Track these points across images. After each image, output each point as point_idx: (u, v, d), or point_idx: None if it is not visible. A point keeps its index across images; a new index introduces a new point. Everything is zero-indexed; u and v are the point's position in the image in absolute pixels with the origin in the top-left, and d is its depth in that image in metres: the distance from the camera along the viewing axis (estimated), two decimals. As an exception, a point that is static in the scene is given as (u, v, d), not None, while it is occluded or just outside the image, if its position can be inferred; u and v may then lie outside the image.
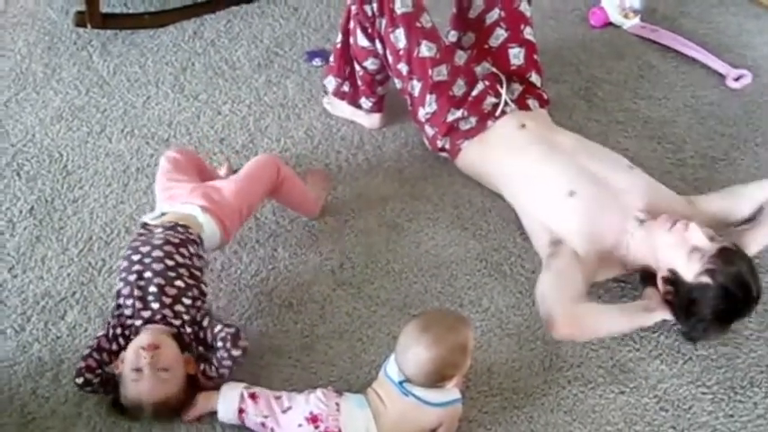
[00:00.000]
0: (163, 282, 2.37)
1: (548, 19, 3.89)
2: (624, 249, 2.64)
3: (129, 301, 2.37)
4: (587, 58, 3.70)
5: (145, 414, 2.29)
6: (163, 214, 2.57)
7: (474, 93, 3.00)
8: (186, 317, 2.37)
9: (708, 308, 2.45)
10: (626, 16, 3.85)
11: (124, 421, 2.34)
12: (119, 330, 2.37)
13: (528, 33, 3.16)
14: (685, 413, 2.41)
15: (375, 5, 2.95)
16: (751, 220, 2.76)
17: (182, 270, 2.41)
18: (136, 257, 2.41)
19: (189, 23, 3.82)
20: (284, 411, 2.23)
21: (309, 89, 3.48)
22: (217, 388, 2.33)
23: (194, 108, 3.38)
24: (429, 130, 3.06)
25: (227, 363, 2.33)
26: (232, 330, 2.36)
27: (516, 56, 3.14)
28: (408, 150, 3.22)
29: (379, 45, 3.03)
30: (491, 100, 3.00)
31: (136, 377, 2.24)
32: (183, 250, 2.44)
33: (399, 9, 2.92)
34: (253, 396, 2.27)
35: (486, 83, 3.02)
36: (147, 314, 2.35)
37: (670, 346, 2.57)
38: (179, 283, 2.39)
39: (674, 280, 2.51)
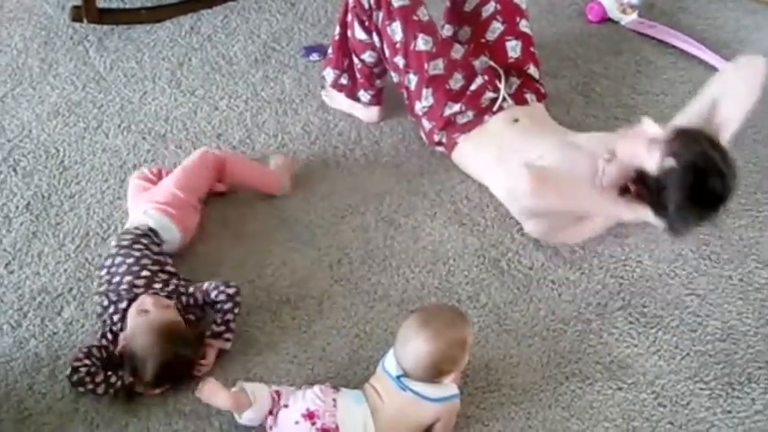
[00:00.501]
0: (130, 277, 2.49)
1: (545, 14, 3.89)
2: (599, 184, 2.66)
3: (110, 308, 2.46)
4: (585, 54, 3.70)
5: (156, 355, 2.29)
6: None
7: (473, 87, 2.99)
8: (164, 293, 2.48)
9: (679, 190, 2.45)
10: (624, 11, 3.85)
11: (121, 416, 2.34)
12: (108, 336, 2.45)
13: (524, 26, 3.16)
14: (683, 409, 2.41)
15: (372, -2, 2.95)
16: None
17: (144, 261, 2.53)
18: (103, 272, 2.56)
19: (186, 19, 3.81)
20: (281, 408, 2.22)
21: (307, 84, 3.47)
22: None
23: (191, 103, 3.37)
24: (426, 124, 3.06)
25: (228, 305, 2.47)
26: (218, 280, 2.52)
27: (513, 48, 3.13)
28: (406, 146, 3.21)
29: (376, 38, 3.03)
30: (489, 95, 3.00)
31: (144, 316, 2.36)
32: (136, 245, 2.57)
33: (396, 2, 2.92)
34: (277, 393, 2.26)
35: (486, 77, 3.02)
36: (124, 305, 2.44)
37: (668, 341, 2.57)
38: (145, 273, 2.50)
39: (642, 178, 2.53)
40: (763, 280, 2.74)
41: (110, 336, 2.44)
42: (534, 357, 2.52)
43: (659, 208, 2.50)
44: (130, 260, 2.52)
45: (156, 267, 2.53)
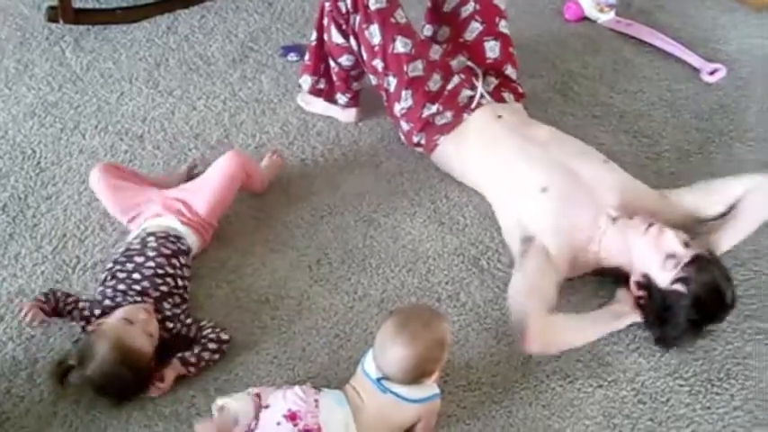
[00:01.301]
0: (148, 284, 2.47)
1: (523, 13, 3.89)
2: (596, 246, 2.63)
3: (110, 291, 2.47)
4: (563, 53, 3.71)
5: (103, 362, 2.26)
6: (143, 230, 2.67)
7: (449, 86, 2.99)
8: (168, 313, 2.45)
9: (681, 316, 2.45)
10: (601, 10, 3.86)
11: (100, 419, 2.33)
12: (96, 311, 2.44)
13: (503, 26, 3.16)
14: (663, 405, 2.42)
15: (349, 2, 2.94)
16: (724, 214, 2.75)
17: (168, 279, 2.52)
18: (130, 265, 2.52)
19: (162, 19, 3.79)
20: (262, 409, 2.20)
21: (285, 84, 3.46)
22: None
23: (169, 104, 3.36)
24: (404, 126, 3.05)
25: (213, 347, 2.44)
26: (216, 326, 2.50)
27: (492, 49, 3.13)
28: (385, 145, 3.21)
29: (353, 41, 3.02)
30: (466, 93, 3.00)
31: (125, 324, 2.33)
32: (174, 261, 2.56)
33: (373, 5, 2.91)
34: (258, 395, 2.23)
35: (462, 76, 3.02)
36: (127, 301, 2.45)
37: (647, 339, 2.57)
38: (163, 288, 2.49)
39: (647, 285, 2.52)
40: (741, 277, 2.75)
41: (97, 311, 2.42)
42: (514, 356, 2.52)
43: (656, 321, 2.53)
44: (161, 271, 2.51)
45: (175, 290, 2.52)
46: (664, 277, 2.47)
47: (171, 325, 2.44)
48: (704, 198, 2.77)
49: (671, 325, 2.48)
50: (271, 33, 3.74)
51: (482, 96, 2.99)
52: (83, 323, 2.43)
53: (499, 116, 2.93)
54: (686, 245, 2.49)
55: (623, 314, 2.56)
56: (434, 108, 2.98)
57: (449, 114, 2.98)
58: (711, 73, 3.56)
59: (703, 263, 2.46)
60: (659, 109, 3.42)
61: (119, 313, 2.38)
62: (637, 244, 2.54)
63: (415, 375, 2.18)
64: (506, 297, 2.61)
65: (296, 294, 2.68)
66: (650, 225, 2.54)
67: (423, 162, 3.10)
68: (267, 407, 2.19)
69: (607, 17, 3.87)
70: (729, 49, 3.75)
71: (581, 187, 2.69)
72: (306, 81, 3.28)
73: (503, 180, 2.82)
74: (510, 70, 3.16)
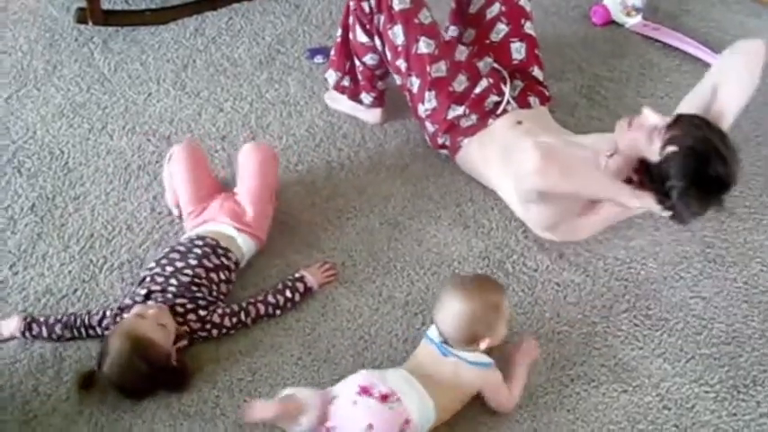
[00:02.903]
0: (184, 290, 2.51)
1: (550, 16, 3.88)
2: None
3: (143, 291, 2.50)
4: (589, 56, 3.70)
5: (117, 355, 2.29)
6: (197, 235, 2.68)
7: (477, 90, 2.99)
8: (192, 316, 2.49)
9: (680, 174, 2.43)
10: (628, 14, 3.84)
11: (126, 418, 2.34)
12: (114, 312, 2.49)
13: (528, 28, 3.16)
14: (688, 412, 2.41)
15: (373, 2, 2.95)
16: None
17: (204, 289, 2.53)
18: (169, 269, 2.54)
19: (190, 20, 3.81)
20: (331, 402, 2.19)
21: (311, 86, 3.47)
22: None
23: (196, 105, 3.37)
24: (429, 127, 3.06)
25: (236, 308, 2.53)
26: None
27: (518, 50, 3.13)
28: (410, 148, 3.21)
29: (378, 41, 3.03)
30: (494, 98, 2.99)
31: (135, 319, 2.36)
32: (213, 275, 2.57)
33: (397, 5, 2.92)
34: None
35: (491, 80, 3.01)
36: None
37: (673, 344, 2.57)
38: (198, 294, 2.52)
39: (644, 167, 2.54)
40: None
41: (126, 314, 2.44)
42: (539, 360, 2.51)
43: (663, 196, 2.49)
44: (197, 281, 2.53)
45: (210, 298, 2.53)
46: (655, 150, 2.48)
47: (202, 315, 2.48)
48: (689, 108, 2.71)
49: (675, 189, 2.45)
50: (297, 36, 3.75)
51: (508, 102, 2.99)
52: (108, 320, 2.48)
53: (519, 122, 2.93)
54: (665, 116, 2.51)
55: (634, 194, 2.54)
56: (460, 110, 2.98)
57: (474, 117, 2.98)
58: (739, 77, 3.54)
59: (685, 119, 2.48)
60: (686, 113, 3.40)
61: (133, 310, 2.41)
62: (625, 140, 2.58)
63: (467, 334, 2.26)
64: (536, 296, 2.66)
65: (321, 297, 2.68)
66: (631, 119, 2.58)
67: (448, 165, 3.10)
68: (335, 397, 2.19)
69: (634, 21, 3.85)
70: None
71: (577, 147, 2.76)
72: (331, 76, 3.29)
73: (506, 170, 2.84)
74: (536, 72, 3.16)
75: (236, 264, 2.65)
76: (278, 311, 2.58)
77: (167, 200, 2.91)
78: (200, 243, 2.60)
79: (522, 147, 2.61)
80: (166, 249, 2.63)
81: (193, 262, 2.54)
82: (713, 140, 2.44)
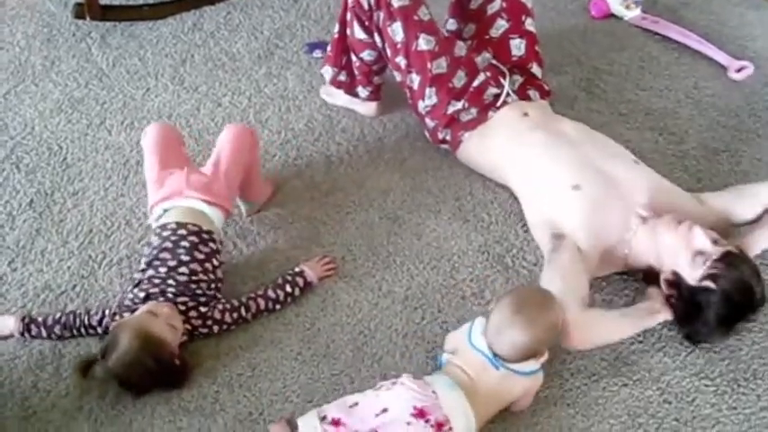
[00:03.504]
0: (183, 289, 2.49)
1: (548, 10, 3.88)
2: (627, 247, 2.61)
3: (143, 294, 2.47)
4: (588, 50, 3.69)
5: (125, 351, 2.28)
6: (165, 211, 2.63)
7: (475, 83, 2.98)
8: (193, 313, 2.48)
9: (711, 313, 2.44)
10: (627, 7, 3.84)
11: (125, 414, 2.34)
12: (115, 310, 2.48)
13: (529, 24, 3.15)
14: (688, 405, 2.40)
15: (372, -1, 2.95)
16: (757, 219, 2.76)
17: (203, 284, 2.52)
18: (163, 270, 2.51)
19: (188, 15, 3.81)
20: (378, 415, 2.14)
21: (310, 81, 3.47)
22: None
23: (194, 100, 3.37)
24: (430, 123, 3.05)
25: (236, 303, 2.52)
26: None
27: (517, 47, 3.12)
28: (410, 142, 3.20)
29: (377, 38, 3.02)
30: (492, 90, 2.99)
31: (148, 316, 2.36)
32: (207, 264, 2.55)
33: (396, 2, 2.91)
34: (336, 423, 2.14)
35: (488, 74, 3.01)
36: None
37: (673, 338, 2.56)
38: (198, 291, 2.51)
39: (677, 282, 2.50)
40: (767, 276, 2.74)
41: (126, 314, 2.44)
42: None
43: (685, 318, 2.51)
44: (195, 278, 2.52)
45: (209, 292, 2.53)
46: (693, 274, 2.45)
47: (203, 312, 2.48)
48: (736, 202, 2.78)
49: (700, 322, 2.46)
50: (296, 30, 3.74)
51: (508, 95, 2.98)
52: (107, 318, 2.46)
53: (525, 113, 2.93)
54: (715, 242, 2.47)
55: (655, 311, 2.55)
56: (460, 104, 2.98)
57: (474, 111, 2.98)
58: (738, 70, 3.53)
59: (732, 259, 2.45)
60: (686, 107, 3.39)
61: (143, 307, 2.40)
62: (666, 241, 2.53)
63: (527, 356, 2.23)
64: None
65: (320, 291, 2.68)
66: (680, 222, 2.52)
67: (447, 159, 3.10)
68: (386, 410, 2.14)
69: (633, 14, 3.84)
70: (756, 47, 3.71)
71: (613, 187, 2.67)
72: (327, 72, 3.29)
73: (532, 178, 2.81)
74: (535, 68, 3.15)
75: (221, 243, 2.66)
76: (278, 306, 2.58)
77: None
78: (184, 233, 2.55)
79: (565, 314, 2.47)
80: (154, 247, 2.56)
81: (186, 258, 2.52)
82: (751, 287, 2.45)
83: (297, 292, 2.60)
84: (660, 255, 2.55)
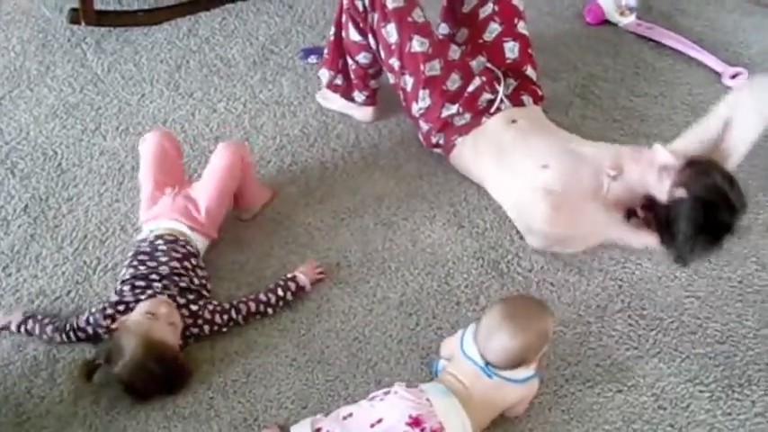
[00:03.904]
0: (168, 282, 2.50)
1: (544, 16, 3.89)
2: (603, 204, 2.65)
3: (129, 289, 2.49)
4: (583, 56, 3.70)
5: (132, 358, 2.28)
6: (151, 231, 2.66)
7: (470, 89, 2.99)
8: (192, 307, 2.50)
9: (688, 221, 2.44)
10: (622, 14, 3.85)
11: (120, 420, 2.34)
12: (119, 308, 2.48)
13: (522, 27, 3.16)
14: (683, 411, 2.41)
15: (367, 0, 2.94)
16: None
17: (185, 278, 2.54)
18: (142, 268, 2.53)
19: (183, 21, 3.81)
20: (373, 426, 2.13)
21: (305, 87, 3.47)
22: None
23: (189, 106, 3.37)
24: (423, 126, 3.05)
25: (227, 305, 2.54)
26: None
27: (511, 50, 3.13)
28: (405, 148, 3.21)
29: (371, 40, 3.03)
30: (486, 96, 2.99)
31: (150, 319, 2.36)
32: (185, 263, 2.57)
33: (391, 4, 2.92)
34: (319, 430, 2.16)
35: (484, 78, 3.01)
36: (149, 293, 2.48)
37: (667, 344, 2.56)
38: (183, 284, 2.52)
39: (651, 204, 2.53)
40: (763, 282, 2.74)
41: (120, 307, 2.46)
42: (540, 358, 2.51)
43: (667, 236, 2.51)
44: (176, 271, 2.54)
45: (193, 287, 2.55)
46: (663, 190, 2.47)
47: (193, 310, 2.48)
48: (698, 134, 2.77)
49: (681, 235, 2.46)
50: (291, 36, 3.75)
51: (501, 101, 2.99)
52: (107, 322, 2.44)
53: (513, 120, 2.94)
54: (677, 157, 2.50)
55: (638, 231, 2.54)
56: (454, 109, 2.98)
57: (467, 116, 2.98)
58: (733, 77, 3.54)
59: (698, 164, 2.47)
60: (680, 113, 3.40)
61: (141, 307, 2.41)
62: (633, 172, 2.58)
63: (516, 363, 2.21)
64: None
65: (315, 297, 2.67)
66: (642, 152, 2.56)
67: (442, 165, 3.10)
68: (380, 420, 2.13)
69: (628, 20, 3.85)
70: (751, 53, 3.73)
71: (580, 160, 2.73)
72: (324, 74, 3.29)
73: (505, 172, 2.84)
74: (530, 71, 3.16)
75: (198, 254, 2.66)
76: (269, 310, 2.58)
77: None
78: (161, 242, 2.60)
79: (532, 198, 2.58)
80: (129, 255, 2.60)
81: (164, 258, 2.55)
82: (723, 189, 2.45)
83: (289, 296, 2.60)
84: (633, 191, 2.58)
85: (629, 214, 2.64)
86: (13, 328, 2.52)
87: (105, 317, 2.44)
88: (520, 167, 2.78)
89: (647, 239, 2.54)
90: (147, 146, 2.81)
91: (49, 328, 2.49)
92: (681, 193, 2.44)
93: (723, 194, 2.44)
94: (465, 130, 2.98)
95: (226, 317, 2.51)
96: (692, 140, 2.74)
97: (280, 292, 2.59)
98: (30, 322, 2.51)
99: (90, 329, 2.46)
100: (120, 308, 2.45)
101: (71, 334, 2.48)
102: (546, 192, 2.58)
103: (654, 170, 2.53)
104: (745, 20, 3.94)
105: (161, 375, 2.33)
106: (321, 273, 2.73)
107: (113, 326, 2.41)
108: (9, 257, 2.76)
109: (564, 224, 2.56)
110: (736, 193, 2.46)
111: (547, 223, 2.55)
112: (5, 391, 2.40)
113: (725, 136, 2.68)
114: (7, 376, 2.44)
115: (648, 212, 2.54)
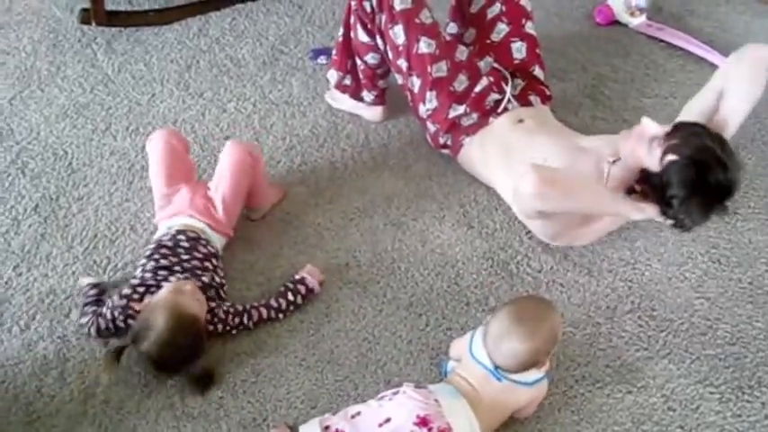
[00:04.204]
0: (189, 276, 2.52)
1: (553, 16, 3.89)
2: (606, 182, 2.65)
3: (152, 279, 2.51)
4: (593, 56, 3.69)
5: (162, 331, 2.31)
6: (170, 229, 2.67)
7: (477, 89, 2.98)
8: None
9: (681, 183, 2.41)
10: (632, 14, 3.84)
11: (129, 419, 2.34)
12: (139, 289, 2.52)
13: (529, 27, 3.16)
14: (693, 413, 2.40)
15: (374, 1, 2.95)
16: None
17: (207, 273, 2.57)
18: (164, 261, 2.55)
19: (194, 21, 3.81)
20: (381, 425, 2.14)
21: (314, 87, 3.47)
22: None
23: (199, 106, 3.37)
24: (431, 127, 3.05)
25: (240, 308, 2.54)
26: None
27: (518, 50, 3.13)
28: (414, 149, 3.21)
29: (379, 41, 3.03)
30: (494, 96, 2.99)
31: (175, 295, 2.38)
32: (206, 263, 2.59)
33: (398, 5, 2.92)
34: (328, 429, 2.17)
35: (491, 79, 3.01)
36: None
37: (677, 345, 2.56)
38: (204, 279, 2.54)
39: (645, 177, 2.52)
40: (772, 284, 2.74)
41: (141, 289, 2.49)
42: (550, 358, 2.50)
43: (665, 204, 2.48)
44: (197, 270, 2.56)
45: (214, 284, 2.57)
46: (655, 159, 2.46)
47: (211, 307, 2.49)
48: (694, 105, 2.74)
49: (676, 199, 2.43)
50: (301, 36, 3.75)
51: (509, 101, 2.99)
52: (124, 301, 2.47)
53: (520, 120, 2.93)
54: (665, 125, 2.49)
55: (640, 207, 2.53)
56: (461, 109, 2.98)
57: (475, 116, 2.98)
58: (743, 78, 3.53)
59: (685, 127, 2.46)
60: (690, 114, 3.39)
61: (167, 287, 2.43)
62: (626, 150, 2.58)
63: (527, 366, 2.20)
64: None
65: (325, 297, 2.68)
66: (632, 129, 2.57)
67: (451, 165, 3.10)
68: (389, 420, 2.14)
69: (638, 21, 3.85)
70: (762, 54, 3.71)
71: (581, 152, 2.73)
72: (333, 75, 3.30)
73: (509, 170, 2.82)
74: (537, 71, 3.16)
75: (218, 255, 2.67)
76: (280, 315, 2.58)
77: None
78: (183, 237, 2.61)
79: (522, 170, 2.57)
80: (151, 247, 2.63)
81: (186, 255, 2.57)
82: (712, 148, 2.42)
83: (299, 299, 2.61)
84: (630, 168, 2.58)
85: (628, 191, 2.62)
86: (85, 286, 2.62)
87: (129, 300, 2.47)
88: (518, 162, 2.76)
89: (649, 211, 2.51)
90: (155, 144, 2.82)
91: (86, 315, 2.53)
92: (671, 157, 2.42)
93: (712, 152, 2.40)
94: (472, 130, 2.98)
95: (237, 320, 2.51)
96: (687, 115, 2.72)
97: (290, 297, 2.59)
98: (92, 290, 2.57)
99: (114, 315, 2.48)
100: (141, 289, 2.48)
101: (92, 330, 2.50)
102: (535, 165, 2.55)
103: (645, 142, 2.51)
104: (755, 21, 3.93)
105: (189, 347, 2.36)
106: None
107: (138, 307, 2.43)
108: (20, 257, 2.77)
109: (556, 197, 2.51)
110: (726, 150, 2.43)
111: (538, 197, 2.50)
112: (15, 390, 2.41)
113: (719, 107, 2.65)
114: (17, 375, 2.44)
115: (644, 184, 2.53)
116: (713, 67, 3.58)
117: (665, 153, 2.44)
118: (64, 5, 3.87)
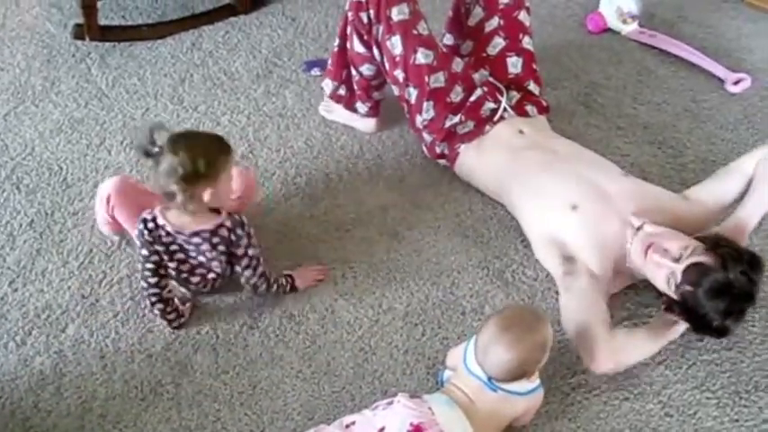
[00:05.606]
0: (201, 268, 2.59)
1: (545, 24, 3.89)
2: (628, 260, 2.60)
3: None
4: (586, 64, 3.70)
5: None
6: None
7: (472, 98, 2.99)
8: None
9: (709, 310, 2.37)
10: (624, 21, 3.85)
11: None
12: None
13: (527, 43, 3.16)
14: (690, 419, 2.40)
15: (372, 12, 2.95)
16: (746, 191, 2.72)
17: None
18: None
19: (187, 35, 3.82)
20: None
21: (308, 99, 3.48)
22: None
23: (193, 119, 3.38)
24: (427, 137, 3.06)
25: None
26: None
27: (514, 65, 3.13)
28: (408, 159, 3.21)
29: (376, 52, 3.03)
30: (489, 105, 3.00)
31: None
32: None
33: (396, 16, 2.92)
34: None
35: (485, 89, 3.02)
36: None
37: (674, 351, 2.56)
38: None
39: (668, 300, 2.49)
40: (769, 289, 2.74)
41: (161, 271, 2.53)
42: (540, 369, 2.50)
43: (694, 324, 2.46)
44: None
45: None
46: (671, 293, 2.43)
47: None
48: (721, 183, 2.76)
49: (708, 320, 2.40)
50: (294, 49, 3.76)
51: (505, 110, 2.99)
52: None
53: (521, 131, 2.93)
54: (677, 259, 2.42)
55: (673, 323, 2.51)
56: (456, 118, 2.98)
57: (471, 124, 2.98)
58: (736, 83, 3.54)
59: (695, 270, 2.38)
60: (684, 120, 3.40)
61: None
62: (642, 268, 2.53)
63: (516, 376, 2.20)
64: (536, 305, 2.63)
65: (320, 308, 2.68)
66: (648, 247, 2.49)
67: (446, 175, 3.10)
68: (383, 429, 2.14)
69: (630, 28, 3.86)
70: (754, 59, 3.73)
71: (606, 201, 2.67)
72: (327, 85, 3.30)
73: (531, 199, 2.79)
74: (532, 86, 3.15)
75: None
76: (263, 286, 2.62)
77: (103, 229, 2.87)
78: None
79: (585, 329, 2.46)
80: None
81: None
82: (731, 282, 2.36)
83: (283, 282, 2.67)
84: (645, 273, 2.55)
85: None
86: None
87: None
88: (548, 198, 2.73)
89: (683, 327, 2.52)
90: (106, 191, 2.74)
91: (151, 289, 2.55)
92: (687, 288, 2.38)
93: (729, 286, 2.35)
94: (468, 137, 2.98)
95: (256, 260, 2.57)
96: (715, 188, 2.75)
97: (282, 281, 2.66)
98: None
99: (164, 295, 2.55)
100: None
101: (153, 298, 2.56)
102: (602, 342, 2.44)
103: (661, 275, 2.44)
104: (747, 26, 3.94)
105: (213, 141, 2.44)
106: (319, 279, 2.75)
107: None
108: (15, 272, 2.77)
109: (627, 361, 2.48)
110: (743, 270, 2.38)
111: (610, 368, 2.46)
112: (12, 405, 2.41)
113: (745, 205, 2.67)
114: (14, 391, 2.44)
115: (668, 304, 2.51)
116: (705, 72, 3.60)
117: (682, 290, 2.40)
118: (57, 21, 3.88)
